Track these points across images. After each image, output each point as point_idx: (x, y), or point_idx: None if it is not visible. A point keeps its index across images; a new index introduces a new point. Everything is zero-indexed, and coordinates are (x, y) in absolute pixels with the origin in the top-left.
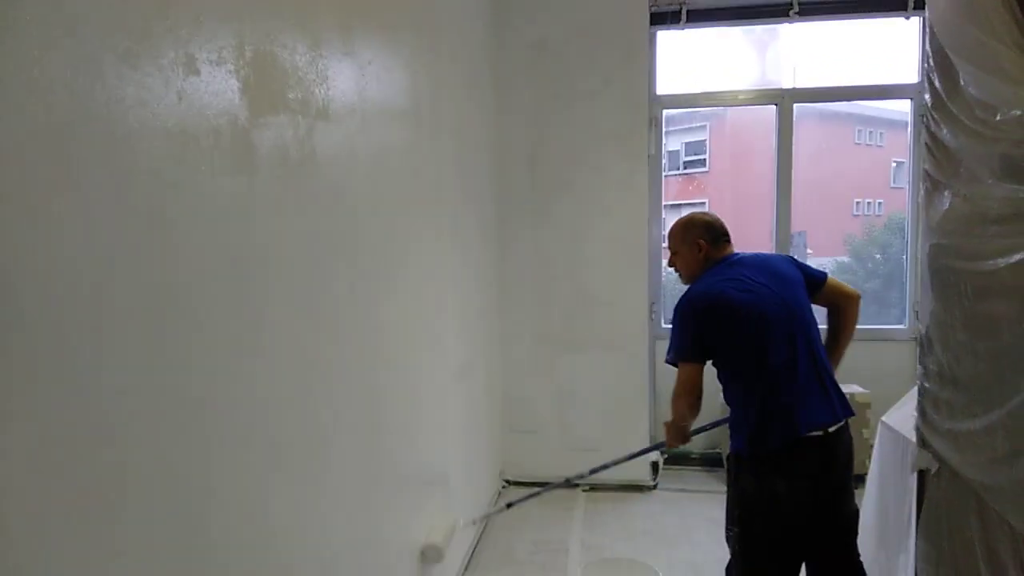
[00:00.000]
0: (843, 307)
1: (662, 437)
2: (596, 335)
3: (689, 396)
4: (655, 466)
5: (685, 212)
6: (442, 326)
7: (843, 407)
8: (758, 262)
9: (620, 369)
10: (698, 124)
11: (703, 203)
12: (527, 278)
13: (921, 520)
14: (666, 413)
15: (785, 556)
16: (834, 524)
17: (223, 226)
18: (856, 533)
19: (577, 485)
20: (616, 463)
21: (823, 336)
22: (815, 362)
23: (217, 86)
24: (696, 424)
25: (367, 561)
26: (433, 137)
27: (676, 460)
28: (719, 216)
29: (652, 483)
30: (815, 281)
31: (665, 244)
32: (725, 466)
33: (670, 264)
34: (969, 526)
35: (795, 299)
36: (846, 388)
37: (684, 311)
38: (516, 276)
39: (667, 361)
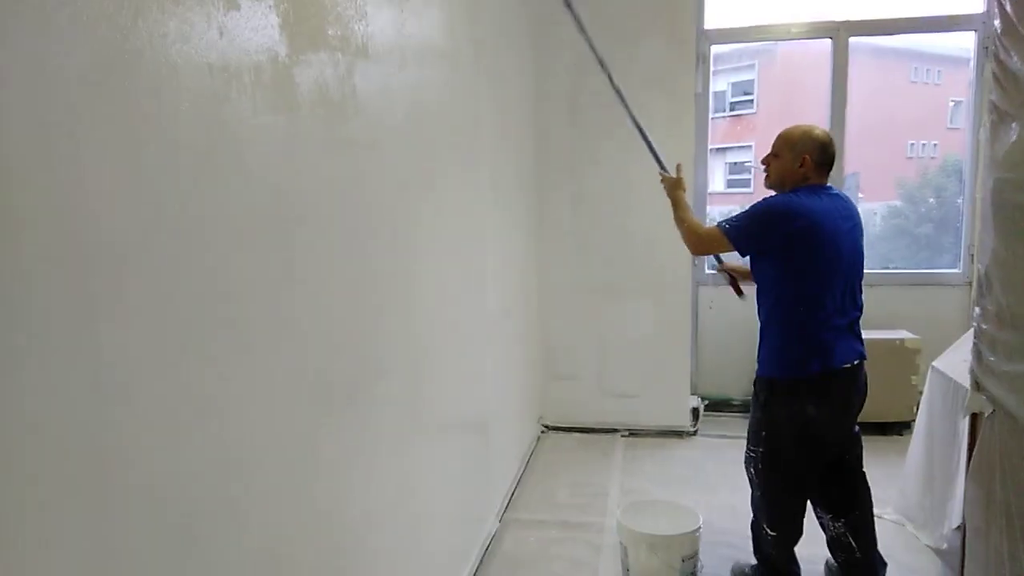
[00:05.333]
0: None
1: (705, 384)
2: (638, 282)
3: (700, 245)
4: (695, 412)
5: (731, 155)
6: (481, 271)
7: (862, 348)
8: (846, 201)
9: (662, 316)
10: (746, 63)
11: (750, 146)
12: (567, 224)
13: (972, 464)
14: (709, 358)
15: (805, 473)
16: (848, 443)
17: (266, 165)
18: (862, 448)
19: None
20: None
21: None
22: (856, 307)
23: (257, 21)
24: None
25: (410, 507)
26: (471, 78)
27: (716, 407)
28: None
29: (692, 429)
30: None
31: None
32: (753, 390)
33: (763, 161)
34: None
35: (860, 247)
36: (894, 333)
37: (779, 210)
38: (556, 222)
39: (718, 224)
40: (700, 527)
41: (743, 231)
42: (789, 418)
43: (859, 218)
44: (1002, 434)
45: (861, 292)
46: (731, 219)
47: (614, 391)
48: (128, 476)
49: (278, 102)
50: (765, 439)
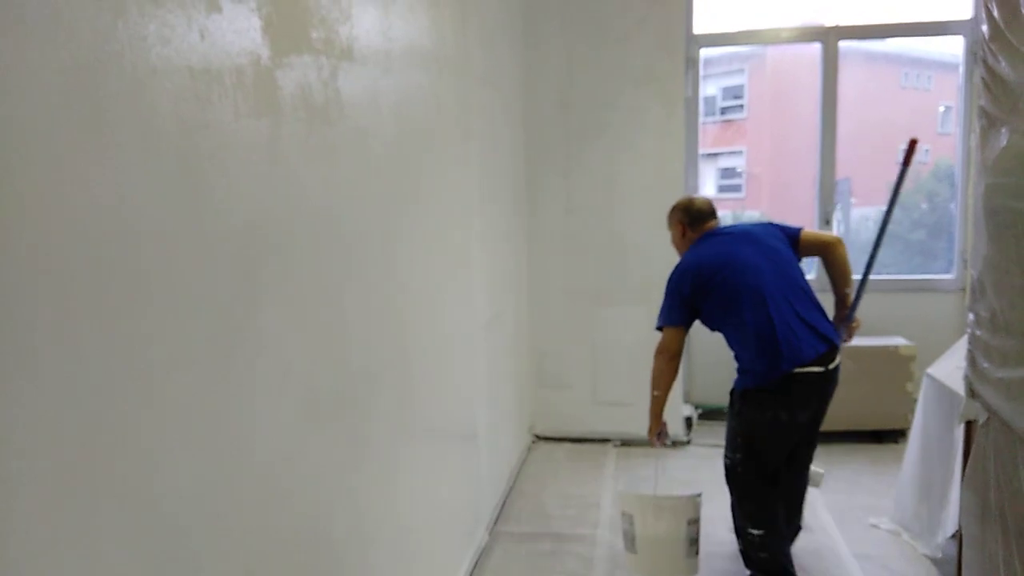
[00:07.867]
0: (826, 254)
1: (699, 392)
2: (629, 288)
3: (665, 353)
4: (689, 421)
5: (722, 160)
6: (470, 277)
7: (826, 346)
8: (737, 231)
9: (654, 322)
10: (736, 68)
11: (741, 151)
12: (557, 228)
13: (967, 472)
14: (702, 367)
15: (774, 471)
16: (809, 442)
17: (249, 170)
18: (814, 449)
19: None
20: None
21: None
22: (794, 309)
23: (239, 24)
24: None
25: (398, 517)
26: (459, 80)
27: (710, 415)
28: (706, 198)
29: (686, 439)
30: (792, 236)
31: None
32: (729, 402)
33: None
34: (1018, 477)
35: (773, 253)
36: (889, 340)
37: (669, 281)
38: (546, 226)
39: (657, 327)
40: (701, 493)
41: (672, 311)
42: (762, 422)
43: (766, 233)
44: (997, 442)
45: (803, 294)
46: (660, 314)
47: (606, 400)
48: (108, 487)
49: (260, 105)
50: (741, 445)
